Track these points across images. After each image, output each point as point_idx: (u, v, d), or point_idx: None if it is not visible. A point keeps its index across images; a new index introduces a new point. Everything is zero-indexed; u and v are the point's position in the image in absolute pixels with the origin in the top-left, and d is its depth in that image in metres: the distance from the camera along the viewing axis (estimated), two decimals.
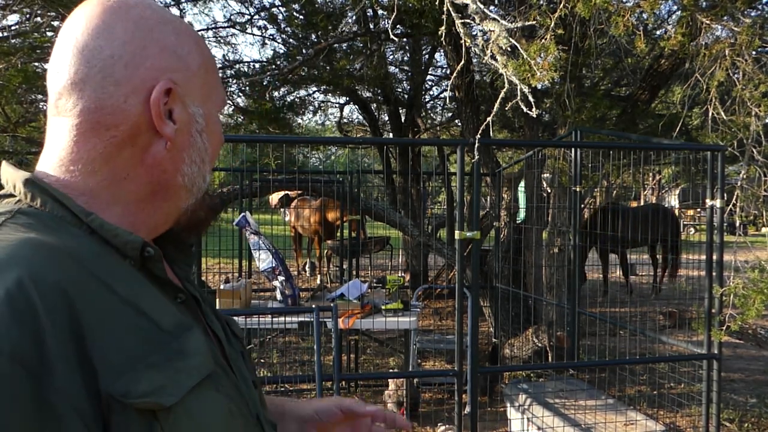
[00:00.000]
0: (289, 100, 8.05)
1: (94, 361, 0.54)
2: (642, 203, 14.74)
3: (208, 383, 0.63)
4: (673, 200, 19.31)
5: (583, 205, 7.89)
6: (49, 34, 5.35)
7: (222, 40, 7.19)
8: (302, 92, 8.36)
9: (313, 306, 3.19)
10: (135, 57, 0.66)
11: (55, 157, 0.66)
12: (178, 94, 0.69)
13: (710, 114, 3.37)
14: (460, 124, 7.52)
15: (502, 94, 2.65)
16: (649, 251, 9.59)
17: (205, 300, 0.81)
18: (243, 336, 0.87)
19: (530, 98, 2.49)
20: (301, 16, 6.36)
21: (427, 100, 9.69)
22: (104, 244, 0.64)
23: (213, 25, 7.27)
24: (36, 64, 5.57)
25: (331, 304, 3.43)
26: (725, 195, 3.34)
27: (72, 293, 0.55)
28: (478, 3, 2.57)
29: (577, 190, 4.27)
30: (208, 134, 0.74)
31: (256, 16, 6.85)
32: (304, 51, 6.40)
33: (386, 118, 9.24)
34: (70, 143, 0.66)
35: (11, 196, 0.65)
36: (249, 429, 0.71)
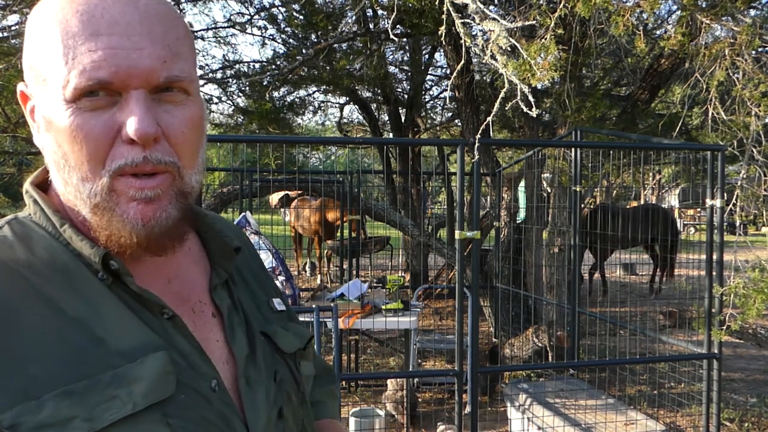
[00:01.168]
0: (289, 100, 8.05)
1: None
2: (642, 203, 14.72)
3: (151, 414, 0.56)
4: (673, 200, 19.34)
5: (583, 205, 7.89)
6: None
7: (222, 40, 7.20)
8: (302, 92, 8.36)
9: (314, 306, 3.20)
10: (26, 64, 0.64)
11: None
12: (27, 95, 0.65)
13: (710, 114, 3.37)
14: (460, 124, 7.52)
15: (502, 94, 2.65)
16: (649, 251, 9.59)
17: (240, 311, 0.73)
18: (296, 351, 0.77)
19: (530, 98, 2.49)
20: (301, 16, 6.36)
21: (427, 100, 9.69)
22: (78, 257, 0.61)
23: (213, 25, 7.26)
24: None
25: (331, 304, 3.43)
26: (725, 195, 3.34)
27: None
28: (478, 3, 2.57)
29: (577, 190, 4.27)
30: (55, 132, 0.59)
31: (256, 16, 6.85)
32: (304, 51, 6.41)
33: (386, 118, 9.24)
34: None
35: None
36: None
